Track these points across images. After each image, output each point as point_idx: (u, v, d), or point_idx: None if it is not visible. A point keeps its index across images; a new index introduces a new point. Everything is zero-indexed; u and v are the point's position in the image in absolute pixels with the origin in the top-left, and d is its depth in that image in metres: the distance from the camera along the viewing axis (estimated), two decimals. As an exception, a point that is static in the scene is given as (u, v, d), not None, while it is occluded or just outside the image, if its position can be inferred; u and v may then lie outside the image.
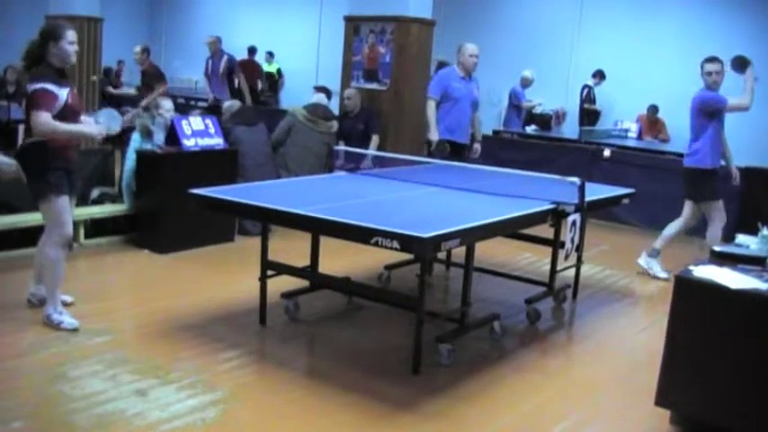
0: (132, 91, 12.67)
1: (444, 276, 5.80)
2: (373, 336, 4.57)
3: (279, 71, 15.32)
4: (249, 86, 13.60)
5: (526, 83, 11.31)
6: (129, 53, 10.57)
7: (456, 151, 6.64)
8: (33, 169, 4.14)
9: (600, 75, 11.66)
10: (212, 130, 6.37)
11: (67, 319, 4.20)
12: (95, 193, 6.43)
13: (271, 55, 15.06)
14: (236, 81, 10.61)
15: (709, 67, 5.85)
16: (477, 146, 7.03)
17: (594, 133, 10.58)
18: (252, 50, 14.18)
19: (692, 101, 5.96)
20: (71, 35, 4.11)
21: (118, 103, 11.53)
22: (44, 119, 3.97)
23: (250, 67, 13.75)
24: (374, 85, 7.72)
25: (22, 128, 7.76)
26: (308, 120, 7.11)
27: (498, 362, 4.28)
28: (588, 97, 11.71)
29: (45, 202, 4.14)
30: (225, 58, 10.36)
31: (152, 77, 9.57)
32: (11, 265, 5.41)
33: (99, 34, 10.78)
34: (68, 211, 4.20)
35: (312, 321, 4.72)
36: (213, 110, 9.71)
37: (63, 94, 4.06)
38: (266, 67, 14.90)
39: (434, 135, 6.62)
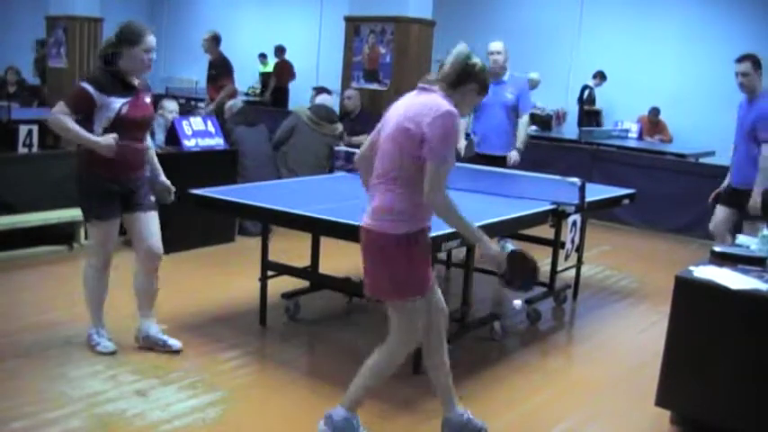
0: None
1: (444, 276, 5.80)
2: (373, 336, 4.55)
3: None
4: (280, 87, 13.65)
5: (532, 84, 11.31)
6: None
7: (489, 164, 5.77)
8: (78, 186, 3.84)
9: (600, 76, 11.66)
10: (213, 131, 6.38)
11: (104, 343, 3.95)
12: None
13: (264, 56, 14.92)
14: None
15: (735, 67, 5.16)
16: (513, 153, 6.08)
17: (594, 134, 10.58)
18: (282, 50, 14.05)
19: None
20: (149, 42, 3.70)
21: None
22: (58, 110, 3.59)
23: (283, 67, 13.71)
24: (374, 86, 7.73)
25: (23, 128, 7.77)
26: (313, 122, 7.11)
27: (498, 362, 4.28)
28: (588, 98, 11.71)
29: (87, 222, 3.90)
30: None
31: (220, 70, 8.45)
32: (11, 265, 5.42)
33: (99, 34, 10.79)
34: (109, 238, 3.85)
35: (312, 321, 4.72)
36: None
37: (115, 104, 3.65)
38: (261, 69, 14.85)
39: (460, 143, 6.03)
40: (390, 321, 3.03)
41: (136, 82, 3.78)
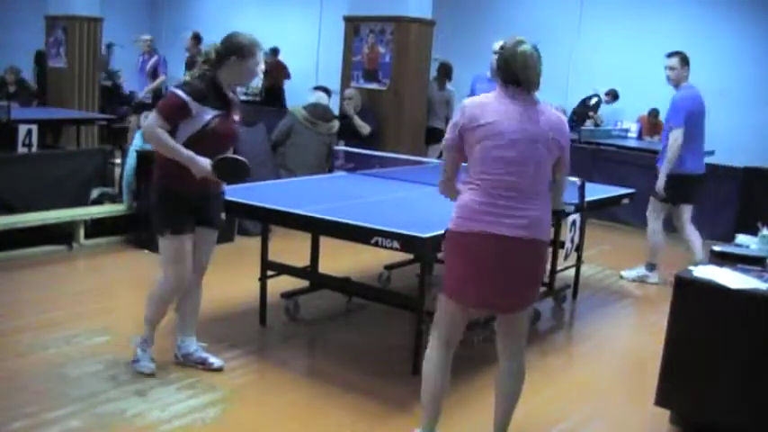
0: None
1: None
2: (373, 336, 4.57)
3: None
4: (272, 87, 13.75)
5: None
6: (130, 53, 10.48)
7: None
8: (156, 199, 3.62)
9: (613, 94, 11.57)
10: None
11: (145, 362, 3.74)
12: (95, 193, 6.43)
13: (265, 56, 14.95)
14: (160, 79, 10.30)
15: (665, 61, 5.76)
16: None
17: (595, 133, 10.57)
18: (275, 51, 14.09)
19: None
20: (260, 56, 3.57)
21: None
22: (153, 122, 3.42)
23: (276, 67, 13.76)
24: (374, 85, 7.73)
25: (23, 128, 7.77)
26: (309, 121, 7.11)
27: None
28: (594, 106, 11.62)
29: (160, 236, 3.61)
30: (155, 57, 10.28)
31: None
32: (11, 265, 5.42)
33: (99, 34, 10.79)
34: (184, 254, 3.59)
35: (312, 321, 4.72)
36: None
37: (206, 115, 3.46)
38: None
39: None
40: (516, 333, 3.07)
41: (230, 95, 3.62)
